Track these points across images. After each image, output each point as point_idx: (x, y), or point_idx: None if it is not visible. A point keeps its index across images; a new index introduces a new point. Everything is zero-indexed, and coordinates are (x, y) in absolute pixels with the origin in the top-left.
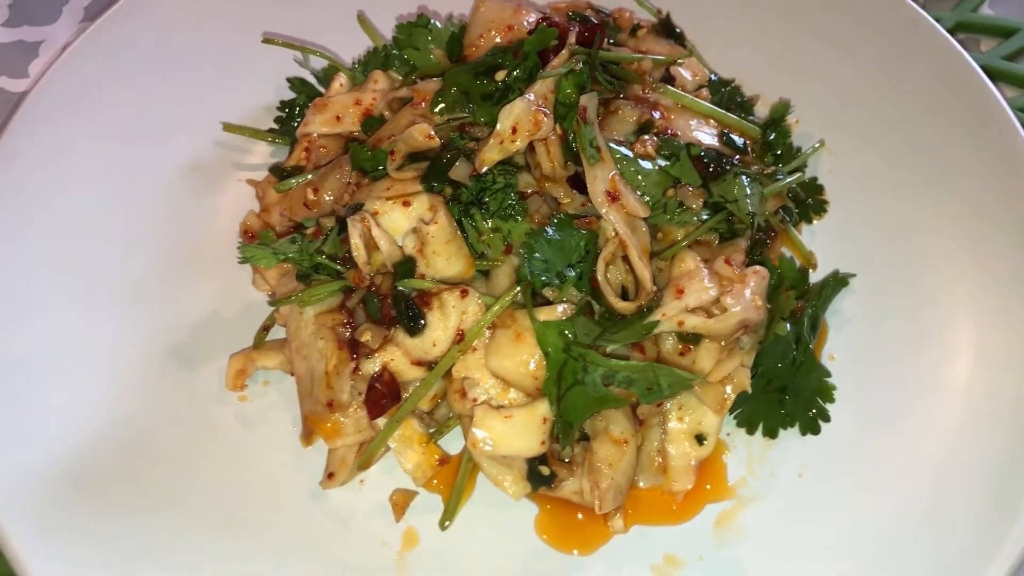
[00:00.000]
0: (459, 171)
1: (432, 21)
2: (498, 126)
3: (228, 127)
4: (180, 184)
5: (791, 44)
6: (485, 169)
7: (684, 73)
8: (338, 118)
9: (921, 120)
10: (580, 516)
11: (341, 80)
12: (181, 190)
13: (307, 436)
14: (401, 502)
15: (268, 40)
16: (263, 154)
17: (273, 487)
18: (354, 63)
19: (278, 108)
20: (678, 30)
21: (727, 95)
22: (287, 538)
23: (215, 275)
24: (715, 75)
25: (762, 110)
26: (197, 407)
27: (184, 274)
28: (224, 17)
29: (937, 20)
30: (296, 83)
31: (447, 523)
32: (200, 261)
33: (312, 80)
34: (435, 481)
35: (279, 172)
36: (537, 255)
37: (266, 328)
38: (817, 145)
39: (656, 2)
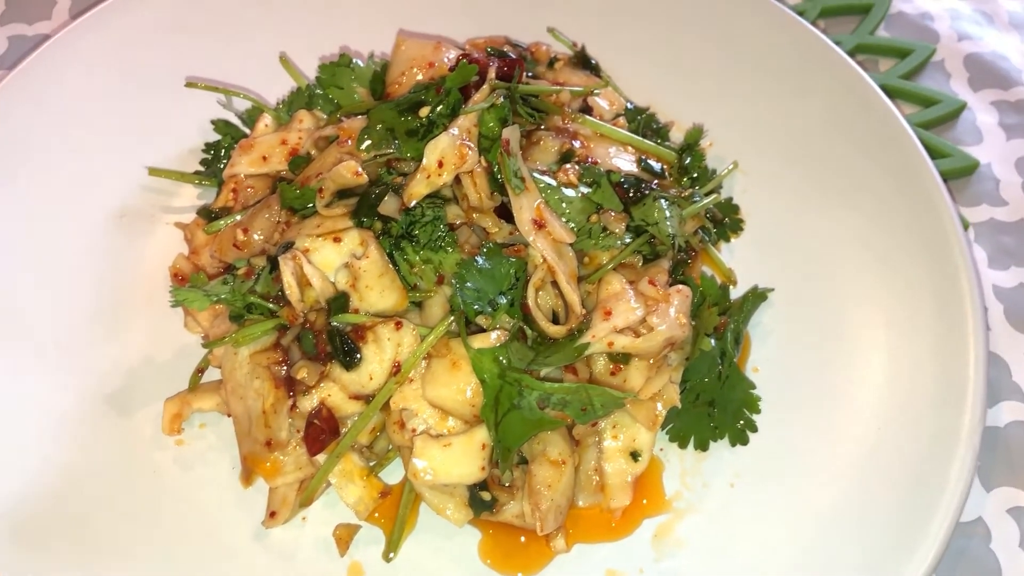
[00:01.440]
0: (388, 206)
1: (354, 60)
2: (424, 161)
3: (154, 171)
4: (108, 230)
5: (702, 72)
6: (414, 203)
7: (601, 103)
8: (264, 158)
9: (827, 139)
10: (523, 539)
11: (266, 120)
12: (110, 236)
13: (247, 476)
14: (345, 536)
15: (191, 84)
16: (190, 196)
17: (215, 529)
18: (278, 103)
19: (203, 151)
20: (593, 61)
21: (643, 122)
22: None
23: (147, 319)
24: (631, 104)
25: (677, 135)
26: (135, 453)
27: (115, 320)
28: (146, 62)
29: (837, 43)
30: (220, 125)
31: (391, 555)
32: (131, 306)
33: (237, 122)
34: (376, 514)
35: (207, 214)
36: (469, 284)
37: (200, 370)
38: (730, 167)
39: (571, 35)
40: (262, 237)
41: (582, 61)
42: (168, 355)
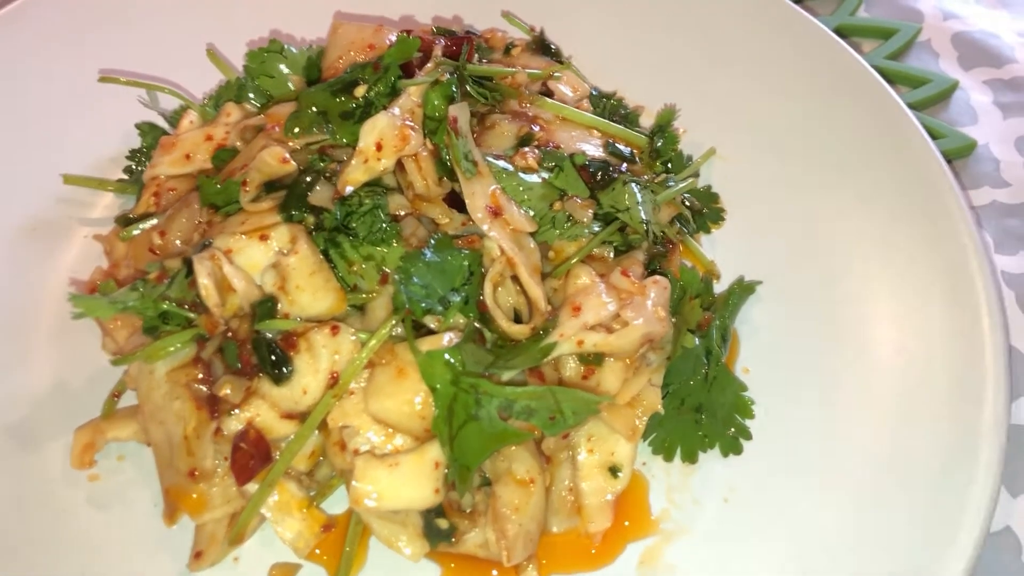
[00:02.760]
0: (320, 195)
1: (286, 46)
2: (360, 143)
3: (69, 179)
4: (18, 245)
5: (671, 53)
6: (349, 190)
7: (563, 89)
8: (188, 156)
9: (812, 119)
10: (495, 573)
11: (191, 117)
12: (19, 251)
13: (170, 513)
14: None
15: (107, 79)
16: (111, 208)
17: (133, 574)
18: (204, 99)
19: (127, 157)
20: (553, 46)
21: (609, 107)
22: None
23: (59, 341)
24: (596, 90)
25: (647, 122)
26: (41, 491)
27: (20, 342)
28: (63, 62)
29: None
30: (145, 128)
31: None
32: (40, 326)
33: (164, 125)
34: (319, 551)
35: (126, 221)
36: (415, 279)
37: (116, 395)
38: (708, 152)
39: (528, 19)
40: (181, 240)
41: (541, 46)
42: (81, 380)
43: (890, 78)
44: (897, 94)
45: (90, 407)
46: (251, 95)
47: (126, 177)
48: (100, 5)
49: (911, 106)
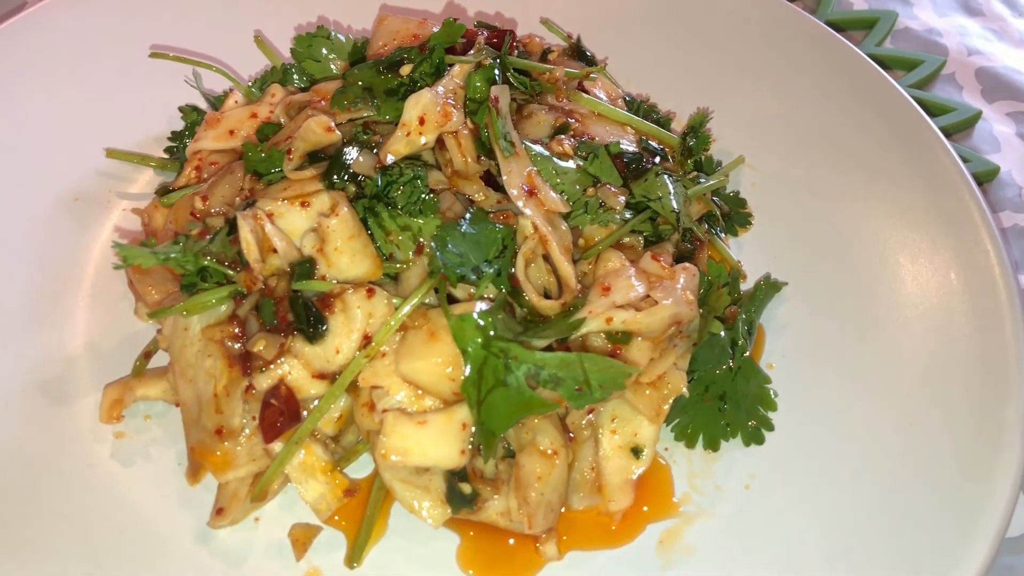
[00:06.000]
0: (363, 164)
1: (333, 32)
2: (404, 116)
3: (112, 153)
4: (58, 214)
5: (705, 67)
6: (391, 160)
7: (598, 93)
8: (232, 132)
9: (838, 129)
10: (512, 542)
11: (236, 97)
12: (59, 220)
13: (194, 472)
14: (302, 538)
15: (157, 54)
16: (151, 184)
17: (153, 530)
18: (251, 82)
19: (168, 138)
20: (589, 53)
21: (643, 110)
22: None
23: (94, 307)
24: (629, 95)
25: (678, 129)
26: (69, 445)
27: (58, 305)
28: (115, 42)
29: None
30: (188, 110)
31: (355, 563)
32: (77, 292)
33: (205, 106)
34: (339, 518)
35: (166, 192)
36: (451, 248)
37: (147, 354)
38: (737, 159)
39: (565, 27)
40: (223, 205)
41: (577, 53)
42: (113, 344)
43: None
44: None
45: (121, 368)
46: (296, 78)
47: (168, 156)
48: None
49: None
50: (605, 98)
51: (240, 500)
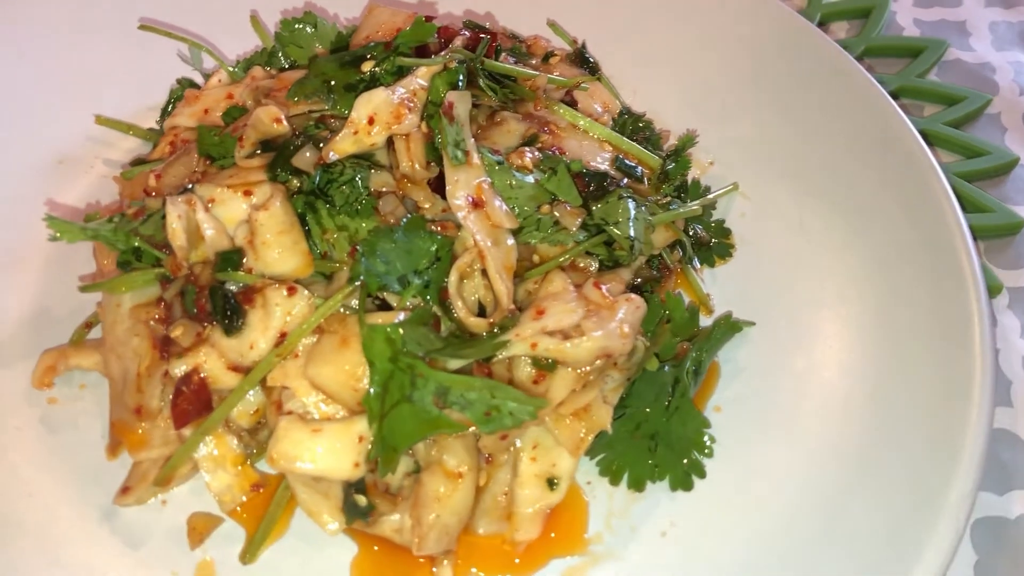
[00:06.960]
0: (304, 159)
1: (320, 19)
2: (353, 113)
3: (101, 120)
4: (39, 174)
5: (721, 87)
6: (333, 157)
7: (595, 105)
8: (207, 111)
9: (846, 174)
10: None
11: (220, 76)
12: (39, 180)
13: (113, 447)
14: (200, 527)
15: (146, 27)
16: (137, 152)
17: (62, 500)
18: (237, 61)
19: (162, 109)
20: (591, 60)
21: (629, 124)
22: (58, 557)
23: (53, 272)
24: (627, 110)
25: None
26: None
27: (17, 268)
28: (120, 8)
29: (880, 82)
30: (185, 83)
31: (250, 559)
32: (39, 256)
33: (202, 82)
34: (243, 512)
35: (137, 164)
36: (379, 254)
37: (88, 325)
38: (729, 187)
39: (574, 33)
40: (174, 185)
41: (579, 59)
42: (65, 311)
43: (944, 145)
44: (950, 163)
45: (66, 335)
46: (283, 62)
47: (156, 128)
48: None
49: (963, 176)
50: (600, 109)
51: (147, 481)
